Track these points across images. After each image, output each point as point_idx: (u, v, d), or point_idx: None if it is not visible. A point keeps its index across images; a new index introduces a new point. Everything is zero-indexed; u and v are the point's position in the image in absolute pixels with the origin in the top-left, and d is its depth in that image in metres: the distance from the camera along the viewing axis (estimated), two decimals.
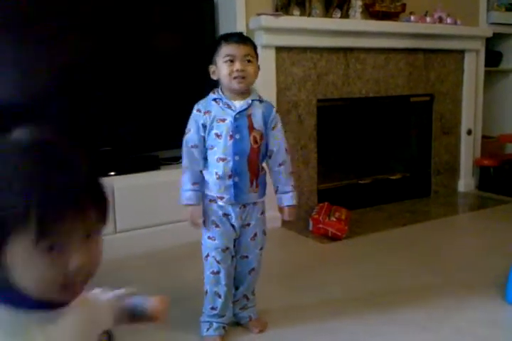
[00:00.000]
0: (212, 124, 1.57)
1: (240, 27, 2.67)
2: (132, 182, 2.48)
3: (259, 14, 2.65)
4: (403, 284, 2.12)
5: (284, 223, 2.93)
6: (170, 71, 2.60)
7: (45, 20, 2.32)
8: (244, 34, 2.59)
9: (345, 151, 3.48)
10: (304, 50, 2.89)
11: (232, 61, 1.53)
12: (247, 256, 1.68)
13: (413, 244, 2.65)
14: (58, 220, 0.55)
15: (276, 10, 2.77)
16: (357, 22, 3.00)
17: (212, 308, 1.68)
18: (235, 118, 1.56)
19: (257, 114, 1.58)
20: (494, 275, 2.12)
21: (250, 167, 1.58)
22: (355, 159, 3.52)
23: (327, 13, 2.96)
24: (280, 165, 1.64)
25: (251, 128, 1.57)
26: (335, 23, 2.91)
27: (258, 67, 1.59)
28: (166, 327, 1.72)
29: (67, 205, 0.55)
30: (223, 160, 1.56)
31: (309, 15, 2.86)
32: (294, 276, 2.22)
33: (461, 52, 3.56)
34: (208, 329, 1.68)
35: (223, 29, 2.75)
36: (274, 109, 1.65)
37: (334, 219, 2.76)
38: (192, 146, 1.59)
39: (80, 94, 2.45)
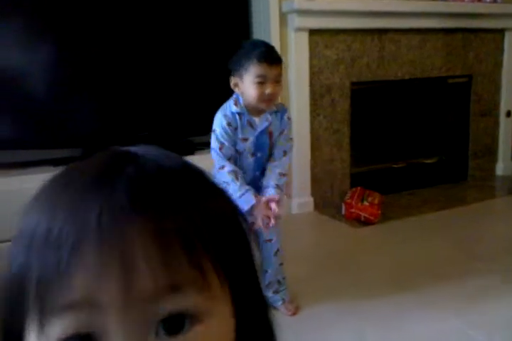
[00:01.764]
0: (236, 141, 1.57)
1: (273, 10, 2.64)
2: None
3: None
4: (438, 269, 2.10)
5: (317, 207, 2.94)
6: (202, 57, 2.61)
7: (76, 13, 2.35)
8: (277, 18, 2.62)
9: (380, 135, 3.44)
10: (337, 32, 2.84)
11: (262, 83, 1.50)
12: (270, 239, 1.71)
13: (449, 228, 2.61)
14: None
15: None
16: (391, 2, 2.92)
17: None
18: (257, 138, 1.58)
19: (276, 128, 1.61)
20: None
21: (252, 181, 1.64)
22: (390, 143, 3.47)
23: None
24: (275, 166, 1.63)
25: (271, 144, 1.61)
26: (369, 3, 2.84)
27: (282, 86, 1.60)
28: None
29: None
30: (244, 174, 1.59)
31: None
32: (326, 260, 2.23)
33: (501, 31, 3.44)
34: None
35: (256, 13, 2.73)
36: (286, 115, 1.64)
37: (367, 204, 2.75)
38: (227, 157, 1.55)
39: (117, 79, 2.49)
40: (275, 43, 2.67)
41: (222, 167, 1.53)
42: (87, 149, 2.54)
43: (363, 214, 2.71)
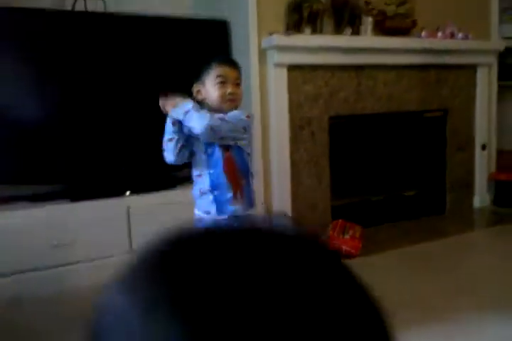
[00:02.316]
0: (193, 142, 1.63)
1: (253, 46, 2.69)
2: (149, 201, 2.49)
3: (271, 33, 2.67)
4: (417, 302, 2.08)
5: None
6: (183, 92, 2.62)
7: (59, 40, 2.37)
8: (257, 54, 2.67)
9: (359, 168, 3.47)
10: (316, 67, 2.90)
11: (223, 83, 1.56)
12: None
13: (429, 261, 2.61)
14: None
15: (288, 28, 2.79)
16: (368, 39, 3.02)
17: None
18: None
19: None
20: None
21: (229, 177, 1.59)
22: (369, 175, 3.50)
23: (338, 30, 2.97)
24: None
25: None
26: (346, 40, 2.93)
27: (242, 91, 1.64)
28: None
29: None
30: (199, 176, 1.62)
31: (320, 32, 2.87)
32: None
33: (474, 67, 3.55)
34: None
35: (236, 49, 2.78)
36: (245, 114, 1.63)
37: (348, 237, 2.74)
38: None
39: (99, 114, 2.49)
40: (255, 78, 2.72)
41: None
42: (68, 185, 2.50)
43: (344, 246, 2.70)
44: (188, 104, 1.56)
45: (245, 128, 1.59)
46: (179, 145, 1.60)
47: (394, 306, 2.00)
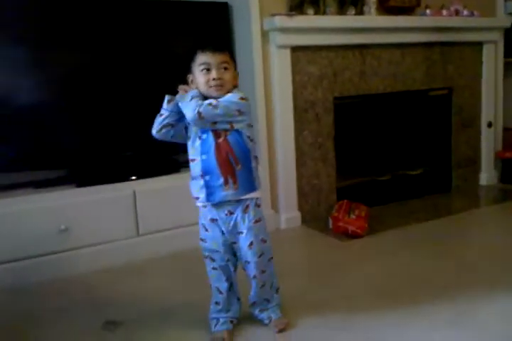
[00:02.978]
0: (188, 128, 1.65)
1: (255, 28, 2.68)
2: (153, 185, 2.52)
3: (273, 15, 2.65)
4: (426, 280, 2.12)
5: (304, 222, 2.95)
6: (184, 76, 2.63)
7: (53, 24, 2.38)
8: (259, 36, 2.66)
9: (364, 148, 3.47)
10: (320, 48, 2.88)
11: (208, 69, 1.57)
12: (249, 262, 1.70)
13: (435, 239, 2.64)
14: None
15: (291, 10, 2.77)
16: (371, 18, 2.99)
17: (216, 303, 1.74)
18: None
19: None
20: None
21: (220, 163, 1.58)
22: (374, 156, 3.50)
23: (341, 10, 2.94)
24: None
25: (231, 127, 1.59)
26: (349, 20, 2.90)
27: (237, 74, 1.64)
28: (182, 325, 1.81)
29: None
30: (193, 160, 1.63)
31: (323, 13, 2.85)
32: (315, 274, 2.24)
33: (480, 44, 3.51)
34: (215, 325, 1.74)
35: (238, 31, 2.77)
36: (239, 96, 1.60)
37: (354, 217, 2.77)
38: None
39: (102, 99, 2.51)
40: (258, 60, 2.71)
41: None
42: (73, 170, 2.54)
43: (350, 227, 2.73)
44: (192, 92, 1.58)
45: (240, 111, 1.57)
46: (165, 122, 1.63)
47: (402, 284, 2.06)
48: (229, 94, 1.59)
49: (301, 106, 2.89)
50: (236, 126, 1.59)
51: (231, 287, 1.73)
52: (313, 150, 2.97)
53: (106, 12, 2.48)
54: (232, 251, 1.71)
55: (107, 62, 2.51)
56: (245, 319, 1.81)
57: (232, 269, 1.73)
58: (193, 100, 1.55)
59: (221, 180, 1.59)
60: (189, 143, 1.65)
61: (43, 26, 2.36)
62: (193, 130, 1.62)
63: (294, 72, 2.83)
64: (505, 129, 3.82)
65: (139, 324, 1.86)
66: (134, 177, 2.52)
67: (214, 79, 1.56)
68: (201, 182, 1.61)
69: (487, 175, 3.71)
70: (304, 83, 2.88)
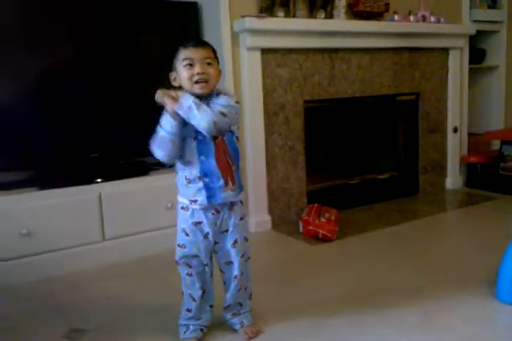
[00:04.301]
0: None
1: (225, 29, 2.66)
2: (120, 188, 2.45)
3: (243, 16, 2.63)
4: (394, 284, 2.12)
5: (275, 226, 2.93)
6: (153, 76, 2.57)
7: (24, 19, 2.29)
8: (229, 37, 2.64)
9: (333, 151, 3.49)
10: (290, 51, 2.88)
11: (191, 65, 1.52)
12: (231, 262, 1.67)
13: (403, 242, 2.66)
14: None
15: (261, 11, 2.76)
16: (341, 22, 3.00)
17: (188, 310, 1.69)
18: None
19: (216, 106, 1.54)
20: (485, 273, 2.13)
21: (219, 164, 1.56)
22: (344, 159, 3.52)
23: (311, 13, 2.95)
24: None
25: None
26: (319, 23, 2.91)
27: (220, 71, 1.58)
28: (150, 332, 1.75)
29: None
30: (190, 162, 1.56)
31: (293, 16, 2.85)
32: (284, 279, 2.21)
33: (446, 50, 3.58)
34: (184, 332, 1.69)
35: (208, 32, 2.74)
36: (226, 94, 1.56)
37: (324, 220, 2.76)
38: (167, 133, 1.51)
39: (66, 101, 2.42)
40: (228, 62, 2.69)
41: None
42: (35, 172, 2.44)
43: (320, 231, 2.71)
44: (189, 99, 1.49)
45: (237, 114, 1.56)
46: (175, 147, 1.52)
47: (371, 289, 2.05)
48: (224, 97, 1.54)
49: (271, 109, 2.87)
50: (232, 127, 1.57)
51: (204, 294, 1.68)
52: (283, 154, 2.96)
53: (74, 10, 2.41)
54: (210, 255, 1.67)
55: (70, 61, 2.43)
56: (215, 325, 1.77)
57: (209, 274, 1.68)
58: (201, 109, 1.47)
59: (221, 182, 1.56)
60: (182, 144, 1.55)
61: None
62: (184, 130, 1.53)
63: (264, 74, 2.81)
64: (470, 134, 3.91)
65: (104, 331, 1.79)
66: (99, 180, 2.44)
67: (198, 73, 1.50)
68: (200, 184, 1.56)
69: (453, 180, 3.77)
70: (274, 86, 2.87)
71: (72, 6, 2.41)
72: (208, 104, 1.52)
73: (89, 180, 2.41)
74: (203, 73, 1.51)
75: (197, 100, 1.49)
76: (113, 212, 2.42)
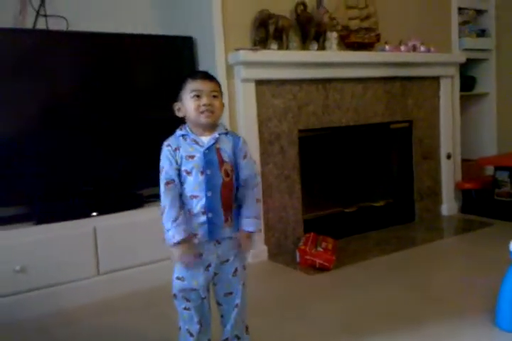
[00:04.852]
0: (181, 161, 1.56)
1: (220, 62, 2.69)
2: (115, 221, 2.44)
3: (237, 49, 2.67)
4: (393, 313, 2.10)
5: (271, 256, 2.91)
6: (150, 109, 2.60)
7: (20, 59, 2.31)
8: (224, 70, 2.68)
9: (329, 180, 3.50)
10: (283, 82, 2.92)
11: (198, 96, 1.55)
12: (231, 293, 1.66)
13: (401, 271, 2.64)
14: None
15: (254, 44, 2.81)
16: (333, 53, 3.06)
17: None
18: (205, 154, 1.56)
19: (226, 147, 1.59)
20: (484, 300, 2.12)
21: (223, 202, 1.57)
22: (339, 188, 3.53)
23: (304, 45, 3.00)
24: (250, 189, 1.64)
25: (221, 162, 1.57)
26: (312, 55, 2.96)
27: (223, 104, 1.62)
28: None
29: None
30: (195, 197, 1.56)
31: (287, 48, 2.90)
32: (282, 310, 2.19)
33: (437, 79, 3.64)
34: None
35: (203, 65, 2.78)
36: (241, 139, 1.65)
37: (321, 250, 2.75)
38: (169, 182, 1.55)
39: (60, 135, 2.43)
40: (223, 93, 2.70)
41: (164, 207, 1.55)
42: (32, 207, 2.42)
43: (317, 260, 2.70)
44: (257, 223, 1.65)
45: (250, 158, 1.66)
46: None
47: (368, 318, 2.03)
48: (246, 147, 1.64)
49: (267, 138, 2.89)
50: None
51: (202, 328, 1.65)
52: (279, 183, 2.96)
53: (69, 48, 2.44)
54: (208, 288, 1.65)
55: (67, 95, 2.45)
56: None
57: (207, 307, 1.66)
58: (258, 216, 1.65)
59: (223, 218, 1.57)
60: (188, 178, 1.56)
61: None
62: (191, 166, 1.55)
63: (259, 105, 2.84)
64: (464, 160, 3.93)
65: None
66: (94, 214, 2.43)
67: (204, 104, 1.54)
68: (203, 218, 1.56)
69: (448, 206, 3.78)
70: (269, 116, 2.89)
71: (70, 43, 2.44)
72: (215, 139, 1.57)
73: (84, 214, 2.40)
74: (209, 104, 1.55)
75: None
76: (108, 245, 2.39)
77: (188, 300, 1.62)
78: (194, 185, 1.55)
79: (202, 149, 1.56)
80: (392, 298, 2.26)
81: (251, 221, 1.62)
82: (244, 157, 1.63)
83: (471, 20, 3.99)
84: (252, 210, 1.63)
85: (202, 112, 1.55)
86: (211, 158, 1.56)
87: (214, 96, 1.57)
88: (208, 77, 1.60)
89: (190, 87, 1.56)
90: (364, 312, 2.12)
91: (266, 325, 2.01)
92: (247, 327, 1.74)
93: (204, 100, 1.54)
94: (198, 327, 1.64)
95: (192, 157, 1.55)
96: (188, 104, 1.57)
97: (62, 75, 2.42)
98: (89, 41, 2.49)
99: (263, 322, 2.00)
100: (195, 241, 1.58)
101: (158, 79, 2.66)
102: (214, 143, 1.57)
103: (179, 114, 1.61)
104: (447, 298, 2.24)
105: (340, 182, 3.53)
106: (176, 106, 1.62)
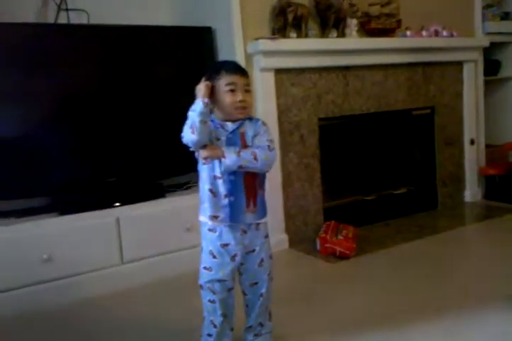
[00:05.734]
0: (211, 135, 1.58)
1: (239, 52, 2.69)
2: (137, 211, 2.49)
3: (257, 39, 2.67)
4: (415, 300, 2.11)
5: (292, 244, 2.93)
6: (171, 100, 2.62)
7: (43, 52, 2.35)
8: (243, 59, 2.68)
9: (349, 168, 3.48)
10: (303, 70, 2.90)
11: (232, 90, 1.57)
12: (256, 283, 1.68)
13: (422, 258, 2.64)
14: None
15: (273, 33, 2.79)
16: (353, 40, 3.02)
17: (208, 335, 1.70)
18: (228, 138, 1.59)
19: (249, 131, 1.61)
20: (507, 288, 2.12)
21: (246, 186, 1.59)
22: (360, 175, 3.51)
23: (323, 33, 2.97)
24: (256, 148, 1.58)
25: (244, 146, 1.59)
26: (331, 42, 2.93)
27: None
28: None
29: None
30: (219, 178, 1.58)
31: (306, 36, 2.88)
32: (304, 299, 2.21)
33: (460, 64, 3.57)
34: None
35: (223, 55, 2.78)
36: (260, 121, 1.65)
37: (341, 238, 2.76)
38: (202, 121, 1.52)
39: (84, 126, 2.48)
40: None
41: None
42: (56, 198, 2.49)
43: (338, 248, 2.71)
44: (233, 156, 1.54)
45: (271, 141, 1.64)
46: (202, 123, 1.52)
47: (392, 307, 2.04)
48: (264, 128, 1.62)
49: (286, 128, 2.89)
50: None
51: (225, 319, 1.68)
52: (299, 172, 2.97)
53: (89, 38, 2.47)
54: (234, 278, 1.67)
55: (89, 87, 2.49)
56: None
57: (232, 299, 1.68)
58: (256, 157, 1.55)
59: (245, 202, 1.59)
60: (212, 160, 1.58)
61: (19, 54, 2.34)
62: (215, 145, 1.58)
63: (278, 94, 2.84)
64: (488, 146, 3.87)
65: None
66: (117, 204, 2.48)
67: (240, 101, 1.57)
68: (225, 201, 1.58)
69: (471, 192, 3.74)
70: (289, 105, 2.89)
71: (91, 37, 2.48)
72: (239, 124, 1.59)
73: (108, 204, 2.45)
74: (244, 101, 1.57)
75: (235, 149, 1.55)
76: (131, 235, 2.45)
77: (213, 293, 1.64)
78: (218, 166, 1.57)
79: (226, 133, 1.59)
80: (413, 287, 2.26)
81: (234, 153, 1.54)
82: (257, 135, 1.61)
83: (495, 4, 3.88)
84: (244, 151, 1.56)
85: (236, 108, 1.57)
86: (235, 141, 1.59)
87: (246, 91, 1.59)
88: (242, 70, 1.62)
89: (226, 80, 1.57)
90: (385, 301, 2.13)
91: (288, 314, 2.03)
92: (270, 315, 1.77)
93: (240, 96, 1.56)
94: (221, 319, 1.66)
95: (218, 139, 1.59)
96: (222, 97, 1.57)
97: (85, 68, 2.45)
98: (111, 34, 2.52)
99: (285, 311, 2.03)
100: (216, 223, 1.60)
101: (180, 70, 2.67)
102: (238, 128, 1.60)
103: (206, 106, 1.53)
104: (470, 286, 2.24)
105: (360, 170, 3.51)
106: (204, 94, 1.54)
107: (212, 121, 1.60)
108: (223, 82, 1.57)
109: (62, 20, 2.57)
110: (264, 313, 1.74)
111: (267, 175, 2.87)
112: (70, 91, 2.43)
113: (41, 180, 2.40)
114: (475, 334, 1.80)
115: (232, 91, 1.57)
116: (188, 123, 1.54)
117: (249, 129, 1.61)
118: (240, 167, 1.55)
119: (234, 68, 1.61)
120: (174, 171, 2.70)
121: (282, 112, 2.87)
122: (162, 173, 2.68)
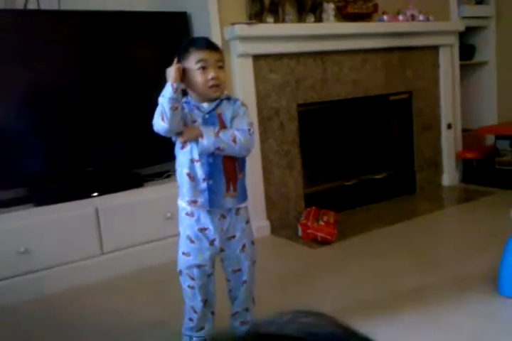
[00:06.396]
0: (185, 119, 1.53)
1: (215, 38, 2.65)
2: (116, 201, 2.45)
3: (233, 24, 2.63)
4: (397, 284, 2.14)
5: (274, 231, 2.94)
6: (146, 87, 2.57)
7: (12, 39, 2.28)
8: (220, 45, 2.64)
9: (329, 154, 3.49)
10: (281, 56, 2.88)
11: (204, 68, 1.50)
12: (239, 269, 1.67)
13: (403, 242, 2.67)
14: None
15: (250, 18, 2.76)
16: (331, 25, 3.01)
17: (190, 319, 1.68)
18: (205, 119, 1.54)
19: (227, 112, 1.56)
20: (486, 269, 2.14)
21: (226, 169, 1.55)
22: (340, 161, 3.53)
23: (300, 18, 2.95)
24: (235, 131, 1.54)
25: (222, 127, 1.54)
26: (309, 27, 2.91)
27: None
28: None
29: None
30: (197, 161, 1.53)
31: (283, 21, 2.85)
32: (286, 284, 2.22)
33: (436, 48, 3.59)
34: None
35: None
36: (238, 101, 1.60)
37: (323, 223, 2.77)
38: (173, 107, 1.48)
39: (60, 116, 2.41)
40: None
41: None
42: (30, 189, 2.43)
43: (319, 234, 2.72)
44: (211, 137, 1.49)
45: (251, 124, 1.59)
46: (173, 109, 1.47)
47: (375, 290, 2.05)
48: (242, 109, 1.57)
49: (265, 114, 2.88)
50: None
51: (206, 304, 1.67)
52: (279, 158, 2.96)
53: (61, 24, 2.40)
54: (213, 264, 1.66)
55: (63, 75, 2.43)
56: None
57: (212, 285, 1.67)
58: (235, 142, 1.51)
59: (224, 186, 1.55)
60: (189, 142, 1.53)
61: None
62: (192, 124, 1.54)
63: (257, 80, 2.81)
64: (465, 130, 3.92)
65: None
66: (95, 194, 2.44)
67: (213, 78, 1.49)
68: (203, 185, 1.54)
69: (449, 176, 3.79)
70: (267, 91, 2.87)
71: (66, 22, 2.40)
72: (216, 104, 1.54)
73: (86, 195, 2.41)
74: (216, 78, 1.50)
75: (214, 129, 1.51)
76: (111, 225, 2.42)
77: (192, 279, 1.62)
78: (195, 148, 1.53)
79: (202, 114, 1.54)
80: (394, 270, 2.29)
81: (212, 134, 1.50)
82: (236, 116, 1.56)
83: None
84: (223, 131, 1.52)
85: (211, 87, 1.50)
86: (211, 122, 1.54)
87: (219, 67, 1.52)
88: (212, 45, 1.54)
89: (196, 57, 1.49)
90: (365, 285, 2.15)
91: (269, 300, 2.02)
92: (253, 298, 1.77)
93: (211, 73, 1.49)
94: (201, 304, 1.65)
95: (193, 122, 1.54)
96: (194, 76, 1.50)
97: (58, 56, 2.39)
98: (82, 20, 2.45)
99: (269, 296, 2.03)
100: (194, 208, 1.56)
101: (155, 56, 2.62)
102: (215, 108, 1.55)
103: (177, 86, 1.49)
104: (450, 268, 2.27)
105: (340, 155, 3.53)
106: (174, 75, 1.48)
107: (187, 103, 1.55)
108: (193, 59, 1.50)
109: (32, 5, 2.49)
110: (249, 299, 1.74)
111: (248, 161, 2.86)
112: (44, 80, 2.38)
113: (16, 170, 2.34)
114: (456, 314, 1.83)
115: (203, 68, 1.49)
116: (158, 110, 1.49)
117: (226, 110, 1.56)
118: (218, 149, 1.50)
119: (203, 44, 1.53)
120: (152, 160, 2.66)
121: (261, 99, 2.85)
122: (140, 162, 2.65)
